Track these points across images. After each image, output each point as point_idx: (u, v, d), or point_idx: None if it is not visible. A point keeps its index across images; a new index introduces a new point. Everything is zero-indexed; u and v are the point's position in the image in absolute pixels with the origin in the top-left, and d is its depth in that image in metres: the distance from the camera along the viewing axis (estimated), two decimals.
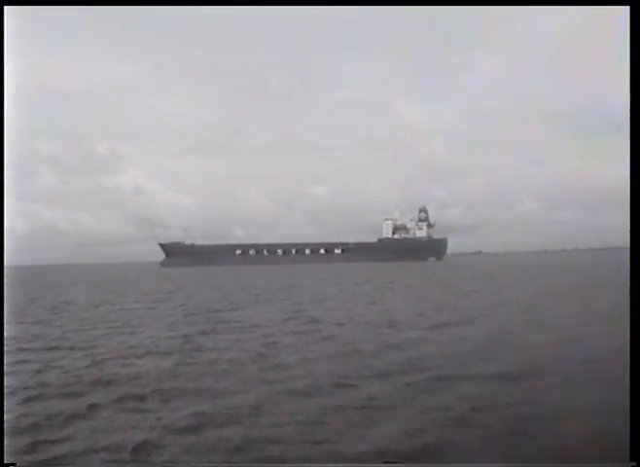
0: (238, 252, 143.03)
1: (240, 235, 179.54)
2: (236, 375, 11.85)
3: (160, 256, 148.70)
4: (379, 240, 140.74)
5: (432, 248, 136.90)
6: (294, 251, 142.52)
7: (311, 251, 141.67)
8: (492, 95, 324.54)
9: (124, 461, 7.19)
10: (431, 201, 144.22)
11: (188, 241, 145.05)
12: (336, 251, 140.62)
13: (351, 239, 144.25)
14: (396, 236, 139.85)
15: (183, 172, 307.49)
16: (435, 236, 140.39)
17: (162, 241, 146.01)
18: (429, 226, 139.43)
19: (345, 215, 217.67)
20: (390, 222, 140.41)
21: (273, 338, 16.85)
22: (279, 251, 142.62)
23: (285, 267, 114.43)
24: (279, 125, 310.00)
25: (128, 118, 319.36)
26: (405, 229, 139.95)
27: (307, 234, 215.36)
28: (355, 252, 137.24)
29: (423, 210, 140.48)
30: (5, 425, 8.11)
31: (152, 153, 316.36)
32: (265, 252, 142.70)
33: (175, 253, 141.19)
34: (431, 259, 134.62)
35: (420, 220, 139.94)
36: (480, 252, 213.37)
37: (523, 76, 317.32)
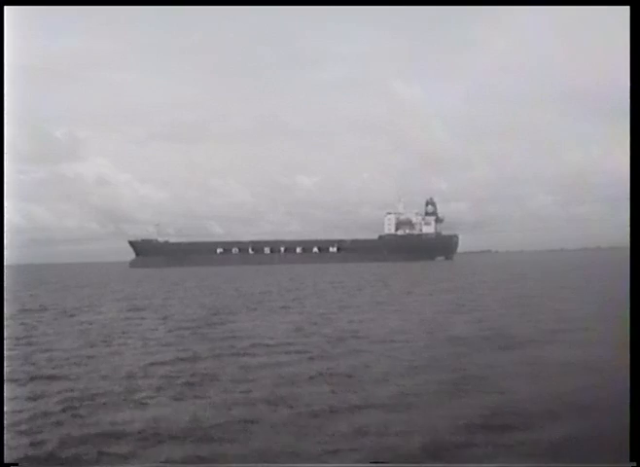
0: (219, 250, 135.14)
1: (217, 232, 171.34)
2: None
3: (129, 255, 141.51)
4: (380, 237, 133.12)
5: (441, 246, 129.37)
6: (283, 249, 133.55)
7: (303, 249, 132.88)
8: (500, 75, 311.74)
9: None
10: (432, 195, 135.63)
11: (161, 239, 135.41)
12: (330, 249, 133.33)
13: (345, 236, 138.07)
14: (399, 233, 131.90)
15: (152, 160, 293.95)
16: (444, 233, 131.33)
17: (132, 238, 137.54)
18: (437, 221, 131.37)
19: (335, 210, 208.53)
20: (393, 216, 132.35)
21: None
22: (266, 249, 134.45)
23: (273, 267, 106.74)
24: (260, 107, 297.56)
25: (90, 98, 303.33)
26: (409, 224, 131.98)
27: (293, 231, 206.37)
28: (353, 251, 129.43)
29: (431, 203, 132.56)
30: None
31: (117, 138, 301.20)
32: (250, 250, 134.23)
33: (147, 252, 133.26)
34: (439, 258, 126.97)
35: (427, 214, 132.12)
36: (489, 251, 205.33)
37: (535, 54, 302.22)
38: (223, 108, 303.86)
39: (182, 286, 51.78)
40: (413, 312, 24.37)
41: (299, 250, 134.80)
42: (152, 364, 13.98)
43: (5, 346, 16.50)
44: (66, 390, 11.37)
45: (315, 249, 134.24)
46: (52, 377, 12.70)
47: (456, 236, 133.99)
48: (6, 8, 7.20)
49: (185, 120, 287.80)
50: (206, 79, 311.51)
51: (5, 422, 8.56)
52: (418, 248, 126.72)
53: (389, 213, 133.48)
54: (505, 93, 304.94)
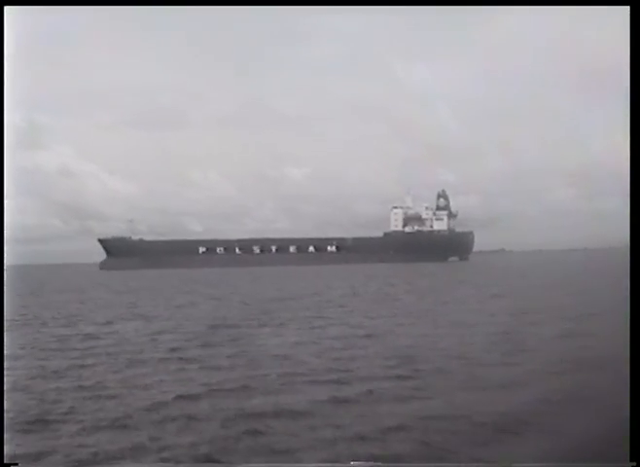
0: (202, 250, 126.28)
1: (195, 230, 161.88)
2: None
3: (97, 256, 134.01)
4: (386, 235, 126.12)
5: (454, 245, 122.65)
6: (274, 249, 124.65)
7: (297, 249, 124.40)
8: (513, 53, 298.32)
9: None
10: (438, 187, 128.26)
11: (135, 237, 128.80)
12: (329, 249, 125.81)
13: (342, 234, 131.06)
14: (407, 230, 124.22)
15: (122, 150, 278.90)
16: (458, 230, 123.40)
17: (102, 236, 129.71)
18: (450, 216, 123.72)
19: (329, 205, 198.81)
20: (400, 211, 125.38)
21: None
22: (255, 249, 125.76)
23: (265, 269, 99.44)
24: (245, 89, 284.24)
25: (52, 79, 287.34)
26: (419, 219, 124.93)
27: (281, 229, 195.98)
28: (354, 250, 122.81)
29: (442, 196, 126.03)
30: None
31: (82, 124, 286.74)
32: (236, 250, 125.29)
33: (120, 251, 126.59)
34: (452, 259, 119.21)
35: (439, 208, 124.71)
36: (502, 250, 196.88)
37: (552, 27, 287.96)
38: (202, 90, 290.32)
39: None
40: None
41: (292, 249, 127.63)
42: None
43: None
44: None
45: (311, 248, 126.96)
46: None
47: (472, 234, 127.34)
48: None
49: (159, 104, 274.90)
50: (184, 58, 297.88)
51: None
52: (429, 247, 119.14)
53: (396, 207, 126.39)
54: (520, 73, 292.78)
